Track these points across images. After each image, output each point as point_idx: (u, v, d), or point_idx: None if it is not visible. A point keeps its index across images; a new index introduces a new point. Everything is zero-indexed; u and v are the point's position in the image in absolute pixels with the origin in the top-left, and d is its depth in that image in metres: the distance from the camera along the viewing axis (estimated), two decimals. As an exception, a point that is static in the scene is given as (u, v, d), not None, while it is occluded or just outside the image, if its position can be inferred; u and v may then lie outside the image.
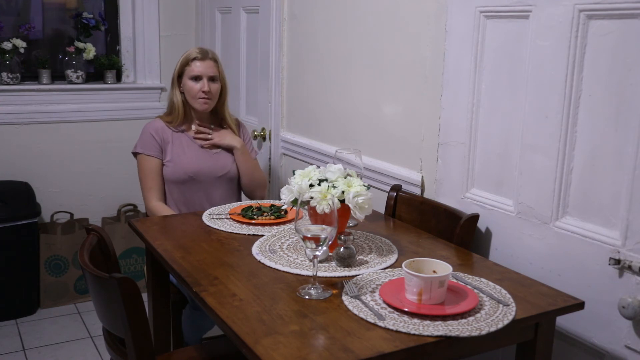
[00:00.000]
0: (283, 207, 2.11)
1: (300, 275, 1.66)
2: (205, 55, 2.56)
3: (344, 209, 1.71)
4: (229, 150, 2.62)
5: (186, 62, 2.55)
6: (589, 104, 1.64)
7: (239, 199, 2.72)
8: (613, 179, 1.60)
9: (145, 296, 1.80)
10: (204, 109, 2.56)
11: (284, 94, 3.10)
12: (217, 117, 2.66)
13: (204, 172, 2.55)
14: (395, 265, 1.73)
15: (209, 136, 2.60)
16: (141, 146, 2.54)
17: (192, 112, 2.60)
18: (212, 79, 2.54)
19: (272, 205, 2.22)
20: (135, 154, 2.57)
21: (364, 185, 1.75)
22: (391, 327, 1.36)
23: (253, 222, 2.09)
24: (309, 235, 1.51)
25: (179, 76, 2.57)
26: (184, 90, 2.57)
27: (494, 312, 1.44)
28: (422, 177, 2.24)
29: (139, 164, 2.56)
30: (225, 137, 2.62)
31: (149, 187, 2.52)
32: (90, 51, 3.68)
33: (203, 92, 2.51)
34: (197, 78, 2.52)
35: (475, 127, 2.00)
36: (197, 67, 2.52)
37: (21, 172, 3.59)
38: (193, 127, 2.61)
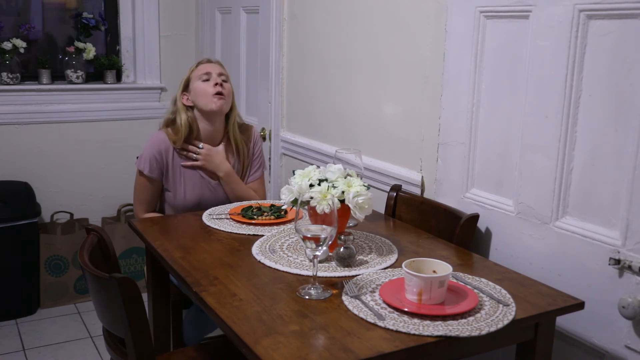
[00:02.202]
0: (283, 207, 2.11)
1: (300, 275, 1.66)
2: (213, 61, 2.48)
3: (344, 209, 1.71)
4: None
5: (191, 70, 2.43)
6: (589, 104, 1.64)
7: None
8: (613, 179, 1.60)
9: (145, 296, 1.80)
10: (219, 107, 2.35)
11: (284, 94, 3.10)
12: (225, 131, 2.47)
13: (203, 205, 2.41)
14: (395, 265, 1.73)
15: (195, 156, 2.39)
16: (143, 165, 2.37)
17: (202, 125, 2.41)
18: (222, 77, 2.40)
19: (272, 205, 2.22)
20: (136, 164, 2.44)
21: (364, 185, 1.75)
22: (391, 327, 1.36)
23: (253, 222, 2.09)
24: (309, 235, 1.51)
25: (184, 89, 2.42)
26: (193, 99, 2.39)
27: (494, 312, 1.44)
28: (422, 177, 2.24)
29: (137, 176, 2.43)
30: (212, 161, 2.40)
31: (140, 200, 2.42)
32: (90, 51, 3.68)
33: (215, 84, 2.35)
34: (206, 76, 2.38)
35: (475, 127, 2.00)
36: (206, 67, 2.40)
37: (21, 172, 3.59)
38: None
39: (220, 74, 2.40)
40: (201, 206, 2.40)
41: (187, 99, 2.41)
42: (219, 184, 2.45)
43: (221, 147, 2.46)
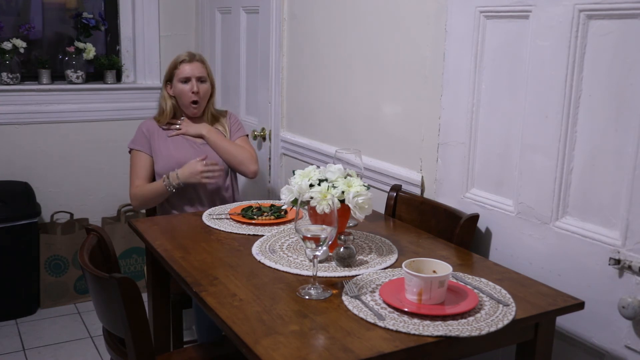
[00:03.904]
0: (283, 207, 2.11)
1: (300, 275, 1.66)
2: (192, 57, 2.69)
3: (344, 209, 1.71)
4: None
5: (174, 66, 2.68)
6: (589, 104, 1.64)
7: (235, 188, 2.75)
8: (613, 179, 1.60)
9: (145, 296, 1.80)
10: (193, 114, 2.69)
11: (284, 94, 3.10)
12: (204, 115, 2.74)
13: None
14: (395, 265, 1.73)
15: (177, 126, 2.69)
16: (133, 142, 2.68)
17: (182, 112, 2.73)
18: (200, 79, 2.65)
19: (272, 205, 2.22)
20: (129, 151, 2.69)
21: (364, 185, 1.75)
22: (391, 327, 1.36)
23: (253, 222, 2.09)
24: (309, 235, 1.51)
25: (169, 80, 2.69)
26: (174, 94, 2.69)
27: (494, 312, 1.44)
28: (422, 177, 2.24)
29: (130, 159, 2.68)
30: (192, 125, 2.70)
31: (133, 178, 2.63)
32: (90, 51, 3.68)
33: (192, 92, 2.62)
34: (186, 80, 2.63)
35: (475, 127, 2.00)
36: (186, 70, 2.65)
37: (21, 172, 3.59)
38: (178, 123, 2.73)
39: (199, 78, 2.65)
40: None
41: (170, 88, 2.70)
42: (203, 143, 2.69)
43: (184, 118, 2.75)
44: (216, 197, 2.66)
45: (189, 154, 2.62)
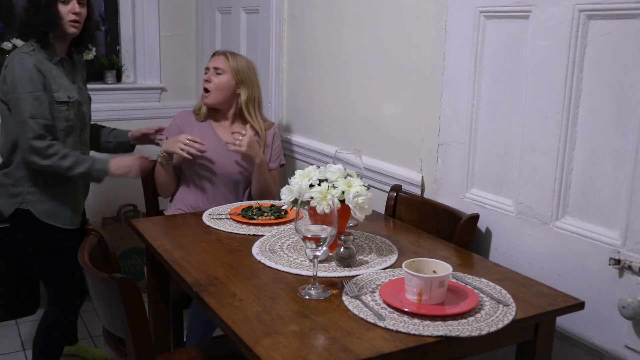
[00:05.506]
0: (283, 207, 2.11)
1: (300, 275, 1.66)
2: (220, 52, 2.69)
3: (344, 209, 1.71)
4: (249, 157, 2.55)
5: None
6: (589, 104, 1.64)
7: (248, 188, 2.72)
8: (613, 179, 1.60)
9: (145, 296, 1.80)
10: (205, 102, 2.63)
11: (284, 94, 3.10)
12: (242, 119, 2.65)
13: (216, 163, 2.57)
14: (395, 265, 1.73)
15: (238, 142, 2.48)
16: (165, 133, 2.69)
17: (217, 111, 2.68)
18: (217, 70, 2.61)
19: (272, 205, 2.22)
20: None
21: (364, 185, 1.75)
22: (391, 327, 1.36)
23: (253, 222, 2.09)
24: (309, 236, 1.51)
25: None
26: None
27: (494, 312, 1.44)
28: (422, 177, 2.24)
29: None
30: (254, 147, 2.52)
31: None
32: (90, 51, 3.67)
33: (205, 80, 2.61)
34: (206, 70, 2.64)
35: (475, 127, 2.00)
36: (210, 61, 2.66)
37: (21, 172, 3.58)
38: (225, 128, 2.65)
39: (216, 68, 2.61)
40: (212, 163, 2.57)
41: None
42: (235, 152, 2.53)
43: (249, 130, 2.55)
44: (232, 193, 2.62)
45: (213, 149, 2.55)
